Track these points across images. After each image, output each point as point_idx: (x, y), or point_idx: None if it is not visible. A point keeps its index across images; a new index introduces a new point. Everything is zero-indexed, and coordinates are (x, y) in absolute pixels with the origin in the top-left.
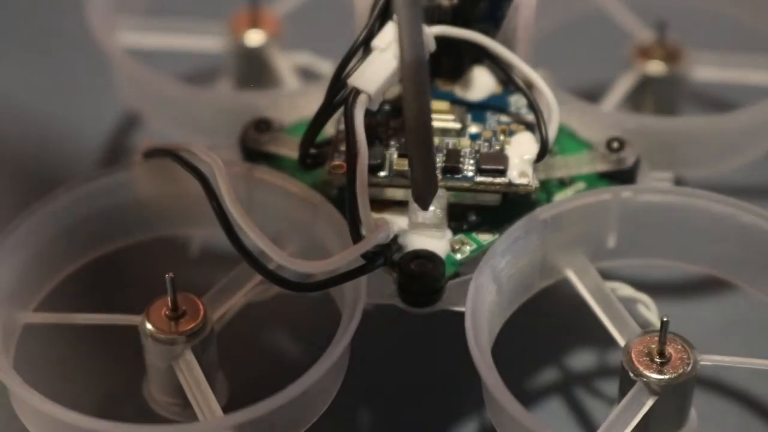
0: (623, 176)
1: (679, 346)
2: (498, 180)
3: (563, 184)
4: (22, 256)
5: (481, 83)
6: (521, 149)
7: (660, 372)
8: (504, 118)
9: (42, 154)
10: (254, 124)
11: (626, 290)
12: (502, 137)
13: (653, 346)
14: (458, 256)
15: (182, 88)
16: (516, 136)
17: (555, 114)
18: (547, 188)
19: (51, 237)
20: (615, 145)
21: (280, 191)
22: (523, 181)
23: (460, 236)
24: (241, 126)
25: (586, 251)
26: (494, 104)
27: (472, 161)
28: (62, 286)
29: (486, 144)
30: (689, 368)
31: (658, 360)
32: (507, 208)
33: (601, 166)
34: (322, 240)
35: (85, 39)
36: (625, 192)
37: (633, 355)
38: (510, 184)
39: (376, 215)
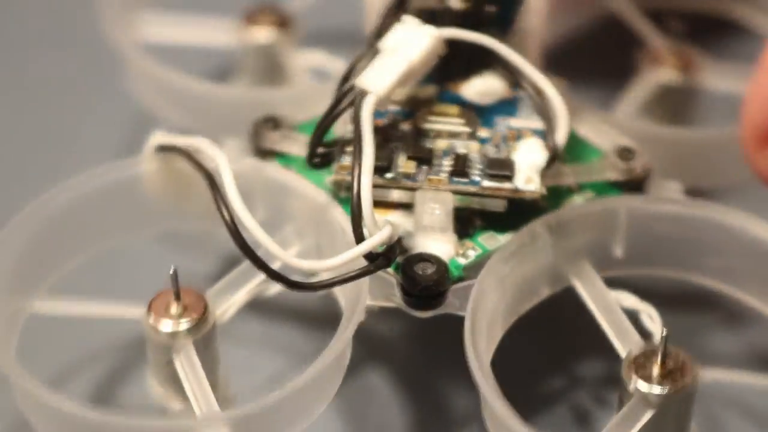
0: (634, 186)
1: (681, 359)
2: (505, 185)
3: (572, 191)
4: (27, 246)
5: (492, 87)
6: (530, 155)
7: (660, 384)
8: (514, 123)
9: (57, 148)
10: (264, 121)
11: (630, 300)
12: (511, 142)
13: (654, 358)
14: (462, 261)
15: (196, 84)
16: (525, 141)
17: (564, 120)
18: (556, 195)
19: (57, 227)
20: (626, 153)
21: (288, 189)
22: (530, 187)
23: (466, 241)
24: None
25: (592, 260)
26: (504, 109)
27: (480, 166)
28: (67, 277)
29: (495, 149)
30: (689, 382)
31: (657, 372)
32: (513, 213)
33: (612, 175)
34: (327, 240)
35: (97, 33)
36: (634, 201)
37: (632, 367)
38: (516, 190)
39: (380, 217)
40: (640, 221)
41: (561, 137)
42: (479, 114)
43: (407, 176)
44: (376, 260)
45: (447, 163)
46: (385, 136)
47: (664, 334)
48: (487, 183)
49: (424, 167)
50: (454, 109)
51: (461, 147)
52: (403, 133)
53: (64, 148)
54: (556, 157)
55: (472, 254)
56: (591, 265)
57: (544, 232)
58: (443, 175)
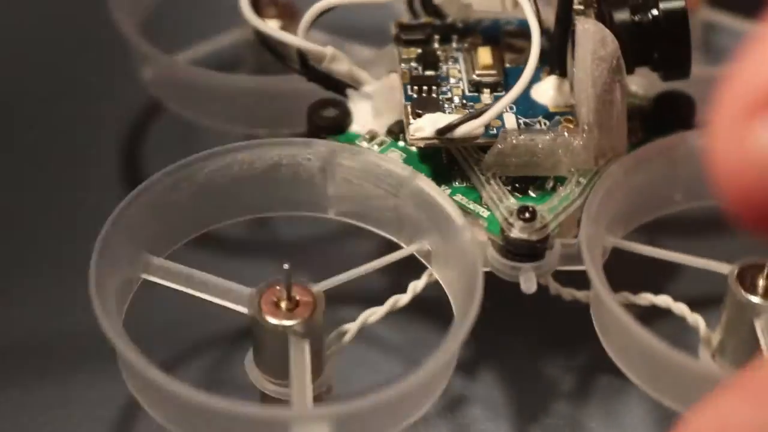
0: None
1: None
2: (409, 117)
3: (475, 192)
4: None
5: (545, 91)
6: (443, 119)
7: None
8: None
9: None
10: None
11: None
12: (469, 109)
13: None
14: (362, 143)
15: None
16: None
17: (488, 115)
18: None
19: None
20: (527, 215)
21: None
22: (413, 132)
23: (383, 138)
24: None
25: None
26: (523, 103)
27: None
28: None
29: (461, 106)
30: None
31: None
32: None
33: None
34: None
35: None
36: None
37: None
38: (408, 124)
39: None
40: None
41: (469, 125)
42: (503, 86)
43: (402, 59)
44: (308, 67)
45: (426, 74)
46: (452, 32)
47: (286, 267)
48: (408, 106)
49: (414, 64)
50: (487, 61)
51: (454, 81)
52: (458, 45)
53: (70, 132)
54: (444, 131)
55: (375, 148)
56: None
57: None
58: (409, 77)
